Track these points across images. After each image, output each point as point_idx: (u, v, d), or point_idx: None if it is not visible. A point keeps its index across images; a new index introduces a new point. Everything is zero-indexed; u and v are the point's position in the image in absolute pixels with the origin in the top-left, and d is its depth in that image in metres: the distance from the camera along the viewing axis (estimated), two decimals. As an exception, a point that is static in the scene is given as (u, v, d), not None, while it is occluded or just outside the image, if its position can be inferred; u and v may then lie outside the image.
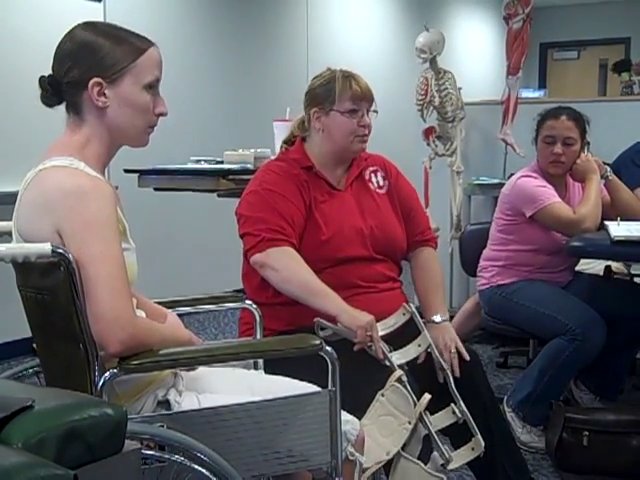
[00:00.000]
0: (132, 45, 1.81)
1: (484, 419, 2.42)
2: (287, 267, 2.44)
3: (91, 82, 1.76)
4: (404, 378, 2.27)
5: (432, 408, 2.33)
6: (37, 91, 1.83)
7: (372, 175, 2.70)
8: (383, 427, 2.26)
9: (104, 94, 1.78)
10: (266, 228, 2.48)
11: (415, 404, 2.25)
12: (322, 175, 2.63)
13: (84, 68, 1.77)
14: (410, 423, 2.25)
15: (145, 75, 1.82)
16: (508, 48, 7.58)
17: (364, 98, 2.59)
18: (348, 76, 2.60)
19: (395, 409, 2.26)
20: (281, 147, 2.75)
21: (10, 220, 1.83)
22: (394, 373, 2.29)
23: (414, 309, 2.42)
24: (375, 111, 2.62)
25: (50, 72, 1.82)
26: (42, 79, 1.81)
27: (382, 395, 2.27)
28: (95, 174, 1.77)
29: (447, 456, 2.28)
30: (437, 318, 2.60)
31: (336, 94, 2.56)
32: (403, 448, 2.26)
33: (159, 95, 1.87)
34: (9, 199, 1.98)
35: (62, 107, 1.84)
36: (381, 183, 2.70)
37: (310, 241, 2.53)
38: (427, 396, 2.27)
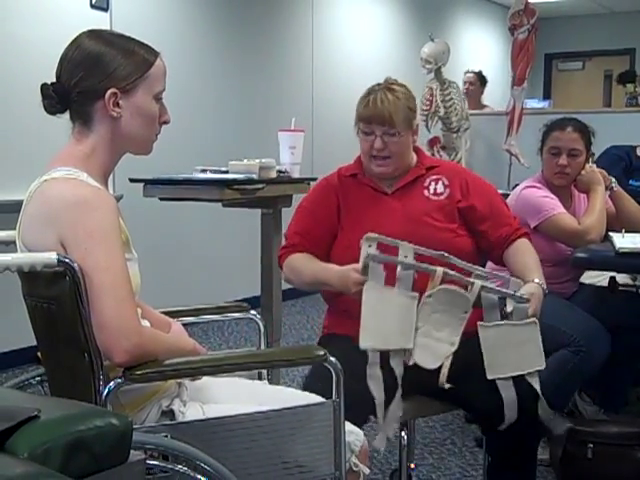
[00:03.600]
0: (142, 56, 1.84)
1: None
2: (294, 275, 2.63)
3: (108, 92, 1.78)
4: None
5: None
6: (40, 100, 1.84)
7: (432, 182, 2.66)
8: (437, 323, 2.25)
9: (118, 104, 1.80)
10: (281, 247, 2.70)
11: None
12: (366, 181, 2.66)
13: (98, 78, 1.79)
14: (466, 312, 2.25)
15: (155, 85, 1.86)
16: (513, 59, 7.60)
17: (373, 121, 2.56)
18: (370, 93, 2.59)
19: (446, 305, 2.25)
20: None
21: (14, 229, 1.84)
22: (436, 276, 2.24)
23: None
24: (392, 134, 2.56)
25: (53, 80, 1.83)
26: (46, 87, 1.82)
27: (429, 296, 2.24)
28: (97, 185, 1.78)
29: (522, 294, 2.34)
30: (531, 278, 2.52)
31: (356, 112, 2.62)
32: (482, 320, 2.29)
33: (163, 104, 1.90)
34: (13, 208, 1.99)
35: (66, 116, 1.85)
36: (439, 190, 2.65)
37: (337, 246, 2.61)
38: (478, 283, 2.27)
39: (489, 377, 2.28)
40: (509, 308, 2.32)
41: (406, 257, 2.30)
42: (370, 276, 2.25)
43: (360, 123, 2.60)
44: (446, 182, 2.67)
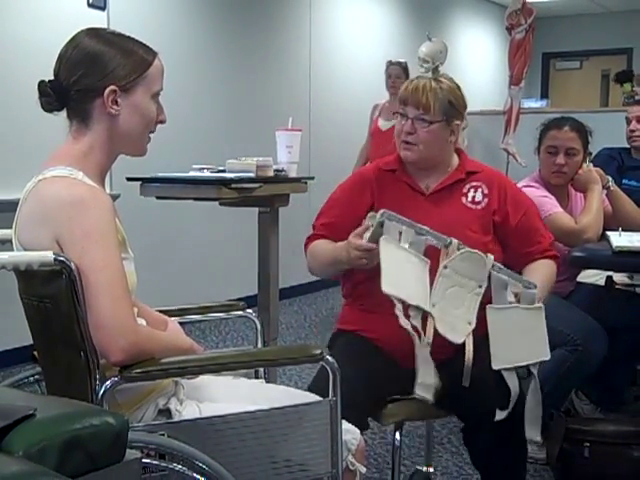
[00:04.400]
0: (141, 56, 1.84)
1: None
2: (314, 260, 2.63)
3: (108, 90, 1.79)
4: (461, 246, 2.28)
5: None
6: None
7: (471, 190, 2.60)
8: (453, 299, 2.24)
9: (116, 102, 1.80)
10: (307, 237, 2.66)
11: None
12: (405, 179, 2.61)
13: (98, 76, 1.79)
14: (481, 287, 2.26)
15: (154, 85, 1.87)
16: (511, 58, 7.62)
17: (406, 102, 2.53)
18: (416, 78, 2.58)
19: (463, 277, 2.25)
20: None
21: (10, 228, 1.84)
22: (453, 244, 2.26)
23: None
24: (424, 120, 2.51)
25: (51, 78, 1.82)
26: (43, 84, 1.82)
27: (445, 267, 2.24)
28: (93, 184, 1.78)
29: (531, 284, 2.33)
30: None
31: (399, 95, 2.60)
32: (491, 302, 2.28)
33: (160, 104, 1.90)
34: (9, 207, 1.99)
35: (63, 114, 1.85)
36: (478, 199, 2.59)
37: None
38: (491, 256, 2.29)
39: (494, 367, 2.26)
40: (509, 297, 2.31)
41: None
42: (385, 232, 2.23)
43: (399, 105, 2.57)
44: (485, 191, 2.60)
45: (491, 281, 2.29)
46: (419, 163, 2.58)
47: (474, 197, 2.59)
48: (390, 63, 6.39)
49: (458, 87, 2.63)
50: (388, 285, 2.15)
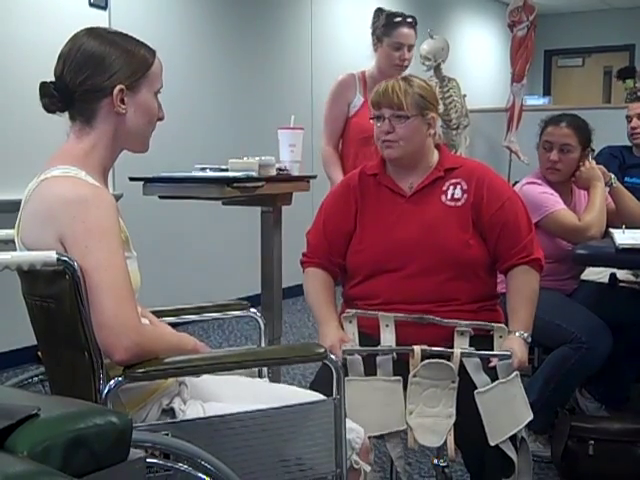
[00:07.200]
0: (144, 55, 1.86)
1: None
2: (305, 292, 2.65)
3: (117, 89, 1.80)
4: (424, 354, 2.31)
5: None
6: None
7: (451, 187, 2.57)
8: (429, 401, 2.28)
9: (123, 101, 1.82)
10: (303, 253, 2.69)
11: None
12: (386, 182, 2.60)
13: (105, 76, 1.80)
14: (454, 382, 2.28)
15: (156, 82, 1.88)
16: (513, 55, 7.62)
17: (379, 105, 2.53)
18: (382, 83, 2.57)
19: (434, 380, 2.29)
20: None
21: (13, 228, 1.84)
22: (415, 354, 2.30)
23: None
24: (400, 116, 2.50)
25: (52, 79, 1.82)
26: (46, 85, 1.82)
27: (414, 376, 2.28)
28: (96, 183, 1.78)
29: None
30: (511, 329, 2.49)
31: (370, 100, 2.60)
32: (474, 389, 2.31)
33: (159, 101, 1.92)
34: (12, 207, 1.99)
35: (64, 114, 1.85)
36: (457, 195, 2.55)
37: (350, 250, 2.60)
38: (457, 352, 2.31)
39: (492, 443, 2.28)
40: (493, 362, 2.38)
41: (387, 326, 2.40)
42: (349, 370, 2.30)
43: (372, 110, 2.57)
44: (465, 186, 2.56)
45: (467, 368, 2.33)
46: (402, 159, 2.57)
47: (453, 194, 2.56)
48: (393, 16, 4.04)
49: (426, 83, 2.64)
50: (368, 430, 2.11)
